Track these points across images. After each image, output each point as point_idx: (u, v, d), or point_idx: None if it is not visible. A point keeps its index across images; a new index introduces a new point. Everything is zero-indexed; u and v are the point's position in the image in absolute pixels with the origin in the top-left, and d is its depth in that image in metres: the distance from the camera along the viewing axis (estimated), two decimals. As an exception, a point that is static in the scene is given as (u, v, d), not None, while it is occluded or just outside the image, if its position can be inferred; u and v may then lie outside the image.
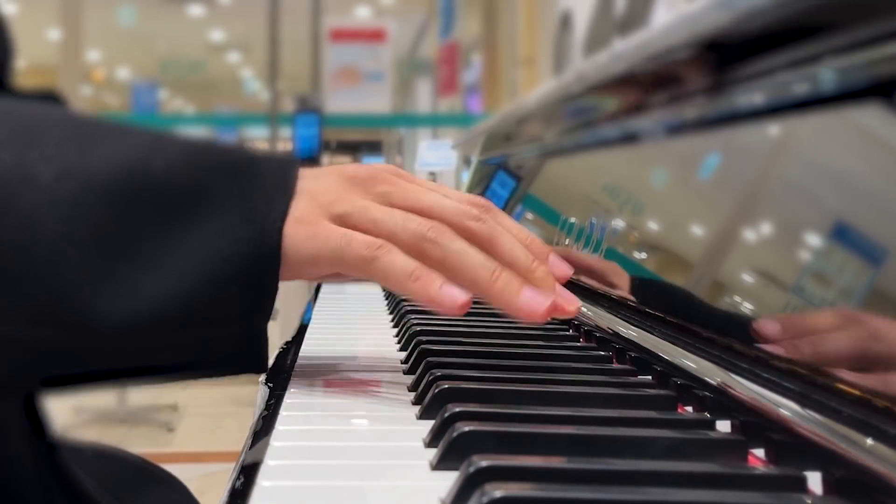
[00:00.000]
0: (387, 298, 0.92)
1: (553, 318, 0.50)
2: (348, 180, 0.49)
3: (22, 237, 0.40)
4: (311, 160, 4.45)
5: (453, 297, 0.46)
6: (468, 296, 0.47)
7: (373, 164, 0.51)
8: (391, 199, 0.49)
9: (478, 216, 0.49)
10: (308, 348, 0.64)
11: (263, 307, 0.43)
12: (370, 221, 0.47)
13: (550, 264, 0.50)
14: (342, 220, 0.47)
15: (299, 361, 0.59)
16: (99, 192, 0.41)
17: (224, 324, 0.43)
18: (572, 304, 0.50)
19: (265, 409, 0.50)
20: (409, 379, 0.54)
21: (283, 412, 0.46)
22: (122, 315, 0.40)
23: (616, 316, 0.63)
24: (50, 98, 0.69)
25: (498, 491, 0.31)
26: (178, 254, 0.41)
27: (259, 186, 0.44)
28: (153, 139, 0.44)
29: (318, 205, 0.47)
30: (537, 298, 0.47)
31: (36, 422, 0.54)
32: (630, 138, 0.72)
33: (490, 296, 0.48)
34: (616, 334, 0.61)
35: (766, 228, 0.48)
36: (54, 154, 0.41)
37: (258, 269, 0.43)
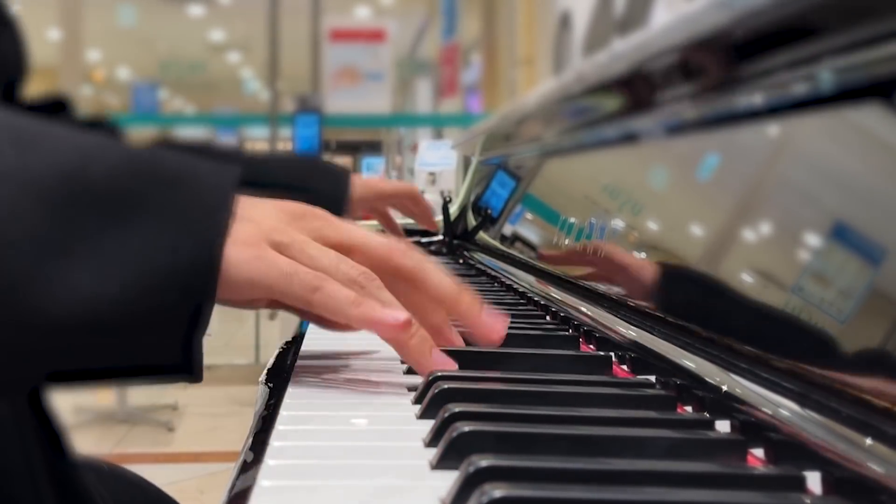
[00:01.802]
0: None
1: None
2: (285, 213, 0.51)
3: None
4: (311, 160, 4.45)
5: (395, 316, 0.49)
6: (407, 314, 0.49)
7: (303, 205, 0.52)
8: (324, 234, 0.51)
9: (406, 252, 0.52)
10: (308, 348, 0.64)
11: (200, 318, 0.43)
12: (307, 257, 0.49)
13: (486, 316, 0.53)
14: (281, 250, 0.48)
15: (299, 361, 0.59)
16: (37, 194, 0.41)
17: (159, 331, 0.43)
18: (496, 334, 0.53)
19: (265, 409, 0.50)
20: (409, 379, 0.54)
21: (283, 412, 0.46)
22: (56, 314, 0.40)
23: (616, 316, 0.63)
24: (56, 103, 0.69)
25: (497, 491, 0.31)
26: (115, 258, 0.41)
27: (199, 200, 0.44)
28: (95, 144, 0.44)
29: (260, 231, 0.48)
30: (444, 360, 0.51)
31: (53, 438, 0.54)
32: (629, 138, 0.72)
33: (405, 349, 0.51)
34: (616, 334, 0.61)
35: (766, 228, 0.48)
36: None
37: (197, 281, 0.43)
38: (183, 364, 0.44)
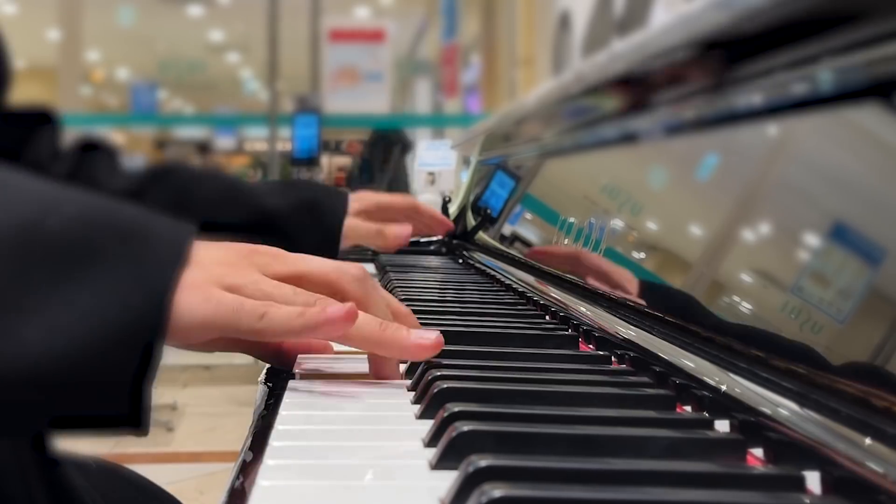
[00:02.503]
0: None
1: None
2: (234, 253, 0.52)
3: None
4: (311, 160, 4.45)
5: (338, 308, 0.49)
6: (350, 307, 0.50)
7: (250, 245, 0.54)
8: (274, 269, 0.52)
9: (356, 278, 0.54)
10: (307, 348, 0.64)
11: (146, 373, 0.43)
12: (262, 293, 0.49)
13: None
14: (235, 291, 0.49)
15: (298, 361, 0.59)
16: None
17: (106, 384, 0.43)
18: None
19: (264, 408, 0.50)
20: (409, 379, 0.54)
21: (283, 412, 0.46)
22: (3, 368, 0.40)
23: (616, 316, 0.63)
24: (42, 115, 0.69)
25: (497, 490, 0.31)
26: (63, 312, 0.41)
27: (152, 253, 0.45)
28: (52, 196, 0.44)
29: (210, 275, 0.48)
30: (424, 334, 0.52)
31: (37, 436, 0.54)
32: (629, 138, 0.72)
33: (383, 342, 0.52)
34: (616, 334, 0.61)
35: (765, 228, 0.48)
36: None
37: (142, 334, 0.43)
38: (132, 416, 0.44)
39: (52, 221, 0.43)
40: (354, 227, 1.09)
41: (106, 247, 0.43)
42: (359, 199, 1.13)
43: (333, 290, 0.53)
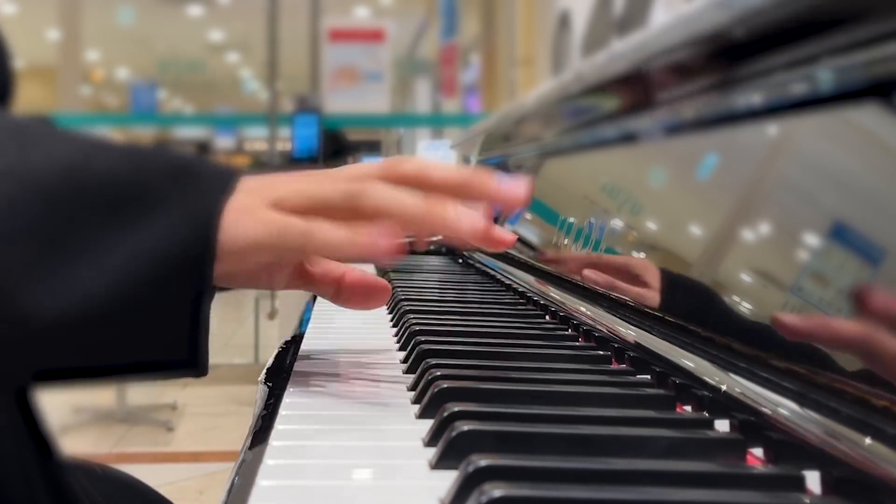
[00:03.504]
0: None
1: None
2: (283, 175, 0.51)
3: None
4: (311, 160, 4.45)
5: (384, 236, 0.47)
6: (399, 236, 0.48)
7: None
8: (321, 177, 0.51)
9: (400, 161, 0.51)
10: (307, 348, 0.64)
11: (201, 305, 0.43)
12: (305, 197, 0.48)
13: (502, 184, 0.51)
14: (279, 205, 0.48)
15: (298, 361, 0.59)
16: (37, 190, 0.41)
17: (160, 323, 0.43)
18: (519, 193, 0.51)
19: (264, 408, 0.50)
20: (409, 378, 0.54)
21: (282, 412, 0.46)
22: (55, 310, 0.40)
23: (616, 316, 0.63)
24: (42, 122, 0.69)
25: (497, 490, 0.31)
26: (114, 252, 0.42)
27: (199, 187, 0.45)
28: (96, 141, 0.45)
29: (255, 196, 0.48)
30: (471, 213, 0.49)
31: (40, 440, 0.54)
32: (629, 138, 0.72)
33: (429, 224, 0.49)
34: (616, 334, 0.61)
35: (765, 228, 0.48)
36: None
37: (193, 269, 0.43)
38: (188, 358, 0.44)
39: (98, 164, 0.43)
40: None
41: (152, 185, 0.44)
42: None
43: (391, 180, 0.50)
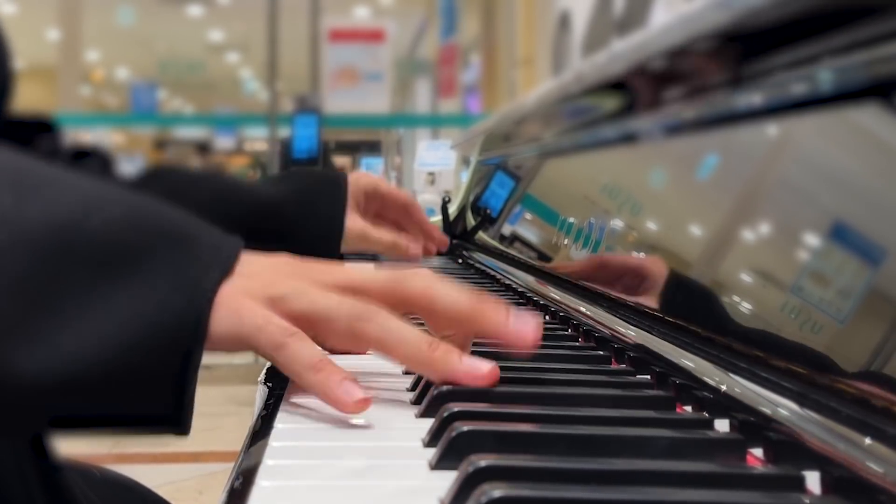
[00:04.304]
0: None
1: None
2: (286, 263, 0.49)
3: None
4: (311, 160, 4.45)
5: (351, 394, 0.45)
6: (365, 394, 0.45)
7: (299, 259, 0.50)
8: (323, 280, 0.48)
9: (409, 278, 0.49)
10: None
11: (185, 378, 0.42)
12: (308, 302, 0.46)
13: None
14: (279, 303, 0.46)
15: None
16: (29, 243, 0.40)
17: (143, 390, 0.42)
18: (529, 338, 0.49)
19: (264, 408, 0.50)
20: (408, 379, 0.54)
21: (282, 412, 0.46)
22: (34, 372, 0.39)
23: (616, 316, 0.63)
24: (42, 123, 0.69)
25: (497, 491, 0.31)
26: (101, 315, 0.40)
27: (195, 257, 0.43)
28: (98, 195, 0.43)
29: (252, 284, 0.46)
30: (476, 363, 0.47)
31: (37, 442, 0.54)
32: (629, 138, 0.72)
33: (431, 365, 0.47)
34: (615, 334, 0.61)
35: (765, 228, 0.48)
36: None
37: (182, 340, 0.42)
38: (172, 419, 0.43)
39: (95, 221, 0.42)
40: (364, 234, 1.00)
41: (148, 248, 0.42)
42: (356, 183, 1.01)
43: (392, 302, 0.49)
